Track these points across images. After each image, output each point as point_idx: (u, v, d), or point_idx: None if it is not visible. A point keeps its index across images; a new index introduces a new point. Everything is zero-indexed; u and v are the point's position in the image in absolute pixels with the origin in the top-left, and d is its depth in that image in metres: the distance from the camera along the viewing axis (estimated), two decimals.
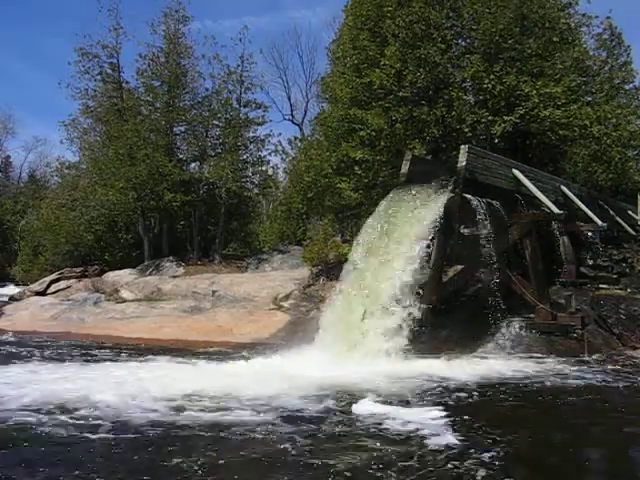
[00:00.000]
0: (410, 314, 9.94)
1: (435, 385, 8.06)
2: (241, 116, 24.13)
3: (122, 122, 23.24)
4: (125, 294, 18.22)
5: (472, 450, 5.28)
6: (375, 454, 5.22)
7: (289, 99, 38.00)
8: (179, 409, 6.55)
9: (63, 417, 6.16)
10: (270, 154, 24.72)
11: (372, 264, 10.46)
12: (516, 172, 11.99)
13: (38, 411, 6.34)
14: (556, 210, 11.73)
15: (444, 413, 6.46)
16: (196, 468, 4.80)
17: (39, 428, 5.81)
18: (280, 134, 25.79)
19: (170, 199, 22.17)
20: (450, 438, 5.60)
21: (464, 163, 10.66)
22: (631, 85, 19.77)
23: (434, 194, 10.73)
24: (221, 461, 5.04)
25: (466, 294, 12.50)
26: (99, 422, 6.00)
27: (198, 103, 24.55)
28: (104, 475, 4.67)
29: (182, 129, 24.93)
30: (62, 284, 21.56)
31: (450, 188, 10.61)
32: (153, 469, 4.82)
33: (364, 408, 6.64)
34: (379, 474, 4.77)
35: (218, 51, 32.30)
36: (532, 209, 12.00)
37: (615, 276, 12.87)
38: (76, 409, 6.43)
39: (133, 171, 21.98)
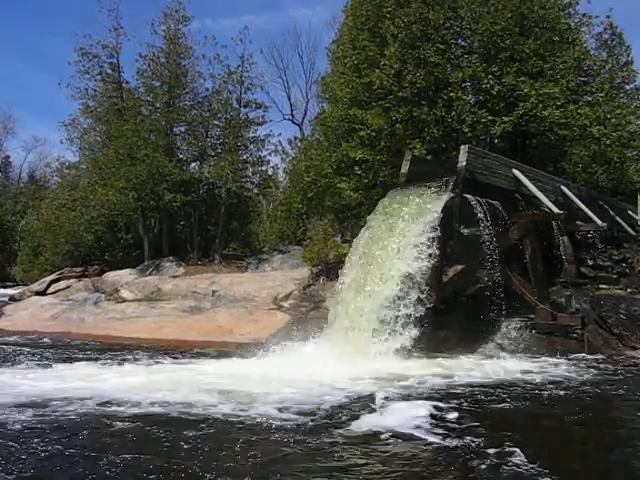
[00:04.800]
0: (410, 314, 9.92)
1: (435, 385, 8.06)
2: (241, 116, 24.15)
3: (122, 122, 23.24)
4: (125, 294, 18.23)
5: (475, 449, 5.29)
6: (374, 452, 5.23)
7: (289, 99, 38.11)
8: None
9: None
10: (270, 154, 24.78)
11: (371, 264, 10.45)
12: (516, 172, 11.98)
13: None
14: (556, 210, 11.71)
15: (444, 412, 6.47)
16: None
17: None
18: (280, 134, 25.86)
19: (170, 199, 22.16)
20: (452, 438, 5.61)
21: (464, 163, 10.65)
22: (632, 85, 19.77)
23: (434, 194, 10.73)
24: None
25: (466, 294, 12.49)
26: None
27: (198, 103, 24.57)
28: None
29: (182, 129, 24.95)
30: (62, 284, 21.54)
31: (450, 188, 10.61)
32: None
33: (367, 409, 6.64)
34: (383, 473, 4.78)
35: (218, 51, 32.38)
36: (532, 209, 12.00)
37: (615, 276, 12.86)
38: None
39: (133, 171, 21.98)
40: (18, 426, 5.87)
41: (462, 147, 10.94)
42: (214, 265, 22.19)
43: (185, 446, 5.37)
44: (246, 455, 5.17)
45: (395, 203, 10.99)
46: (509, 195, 11.75)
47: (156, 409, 6.59)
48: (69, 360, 10.23)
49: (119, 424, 6.00)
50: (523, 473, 4.81)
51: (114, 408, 6.58)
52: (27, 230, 33.08)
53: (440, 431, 5.84)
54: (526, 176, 12.08)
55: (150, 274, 20.66)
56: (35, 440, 5.46)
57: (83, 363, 9.81)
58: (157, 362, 9.94)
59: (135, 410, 6.54)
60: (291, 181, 24.09)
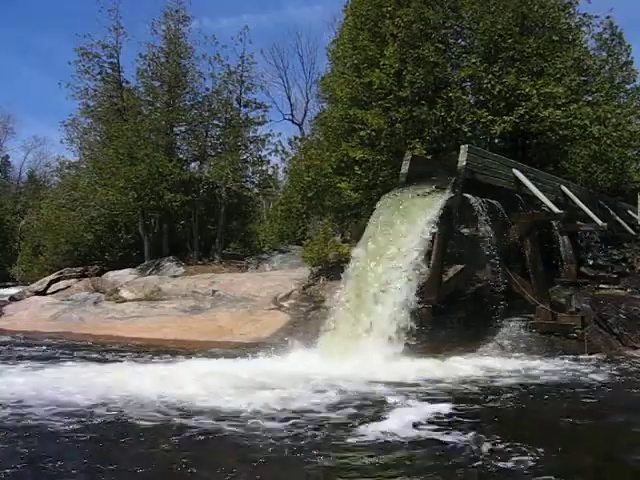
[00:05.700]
0: (410, 314, 9.92)
1: (435, 386, 8.06)
2: (241, 116, 24.16)
3: (122, 122, 23.24)
4: (125, 294, 18.20)
5: (478, 449, 5.30)
6: (376, 454, 5.23)
7: (289, 99, 38.09)
8: None
9: None
10: (270, 154, 24.76)
11: (372, 265, 10.44)
12: (516, 172, 11.97)
13: None
14: (556, 210, 11.71)
15: (445, 413, 6.48)
16: None
17: None
18: (280, 134, 25.78)
19: (170, 199, 22.17)
20: (454, 439, 5.62)
21: (464, 163, 10.65)
22: (632, 85, 19.78)
23: (434, 194, 10.73)
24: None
25: (466, 294, 12.49)
26: None
27: (198, 103, 24.57)
28: None
29: (182, 129, 24.95)
30: (62, 284, 21.51)
31: (450, 188, 10.60)
32: None
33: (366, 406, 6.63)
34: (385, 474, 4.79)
35: (219, 51, 32.23)
36: (532, 209, 11.99)
37: (615, 276, 12.86)
38: None
39: (133, 171, 21.97)
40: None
41: (462, 147, 10.93)
42: (214, 265, 22.19)
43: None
44: (248, 456, 5.18)
45: (395, 203, 10.99)
46: (509, 195, 11.74)
47: None
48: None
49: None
50: (526, 473, 4.81)
51: None
52: (27, 230, 33.10)
53: (442, 432, 5.84)
54: (526, 176, 12.07)
55: (150, 274, 20.65)
56: None
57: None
58: None
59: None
60: (291, 181, 24.08)
